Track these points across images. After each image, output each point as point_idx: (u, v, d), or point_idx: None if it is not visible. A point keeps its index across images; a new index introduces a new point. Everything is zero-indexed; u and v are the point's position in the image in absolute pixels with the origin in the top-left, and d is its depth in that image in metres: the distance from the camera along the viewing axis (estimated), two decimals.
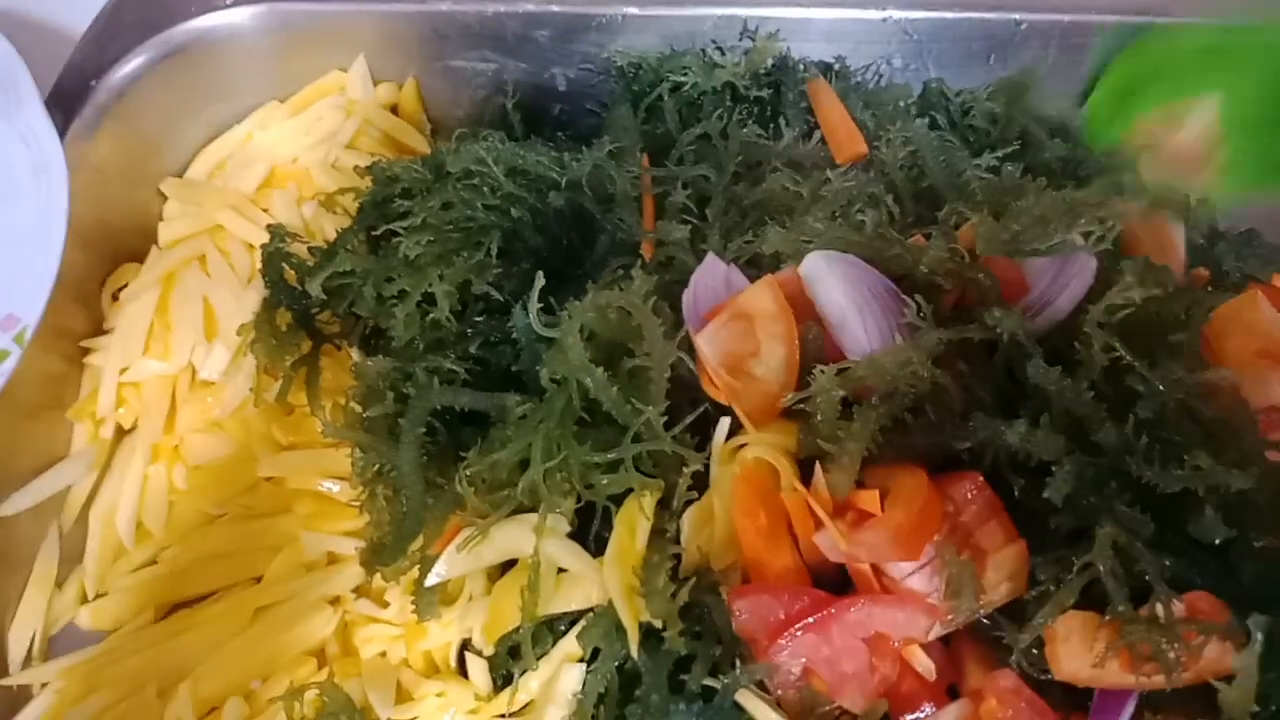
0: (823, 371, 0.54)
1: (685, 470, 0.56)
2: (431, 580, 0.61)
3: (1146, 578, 0.47)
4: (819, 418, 0.53)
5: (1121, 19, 0.83)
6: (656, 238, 0.72)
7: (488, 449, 0.59)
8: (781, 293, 0.58)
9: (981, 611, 0.49)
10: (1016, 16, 0.81)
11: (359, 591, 0.69)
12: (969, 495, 0.51)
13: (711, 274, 0.64)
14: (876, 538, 0.49)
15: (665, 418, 0.56)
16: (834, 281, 0.58)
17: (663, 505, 0.57)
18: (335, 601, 0.69)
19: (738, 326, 0.58)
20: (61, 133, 0.75)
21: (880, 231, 0.63)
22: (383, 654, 0.67)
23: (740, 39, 0.84)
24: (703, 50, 0.83)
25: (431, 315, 0.69)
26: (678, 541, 0.57)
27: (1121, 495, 0.50)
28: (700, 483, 0.58)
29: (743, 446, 0.57)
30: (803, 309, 0.59)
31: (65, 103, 0.80)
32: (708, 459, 0.58)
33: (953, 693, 0.52)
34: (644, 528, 0.56)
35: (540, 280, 0.60)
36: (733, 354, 0.58)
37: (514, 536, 0.59)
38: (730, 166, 0.77)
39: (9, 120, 0.72)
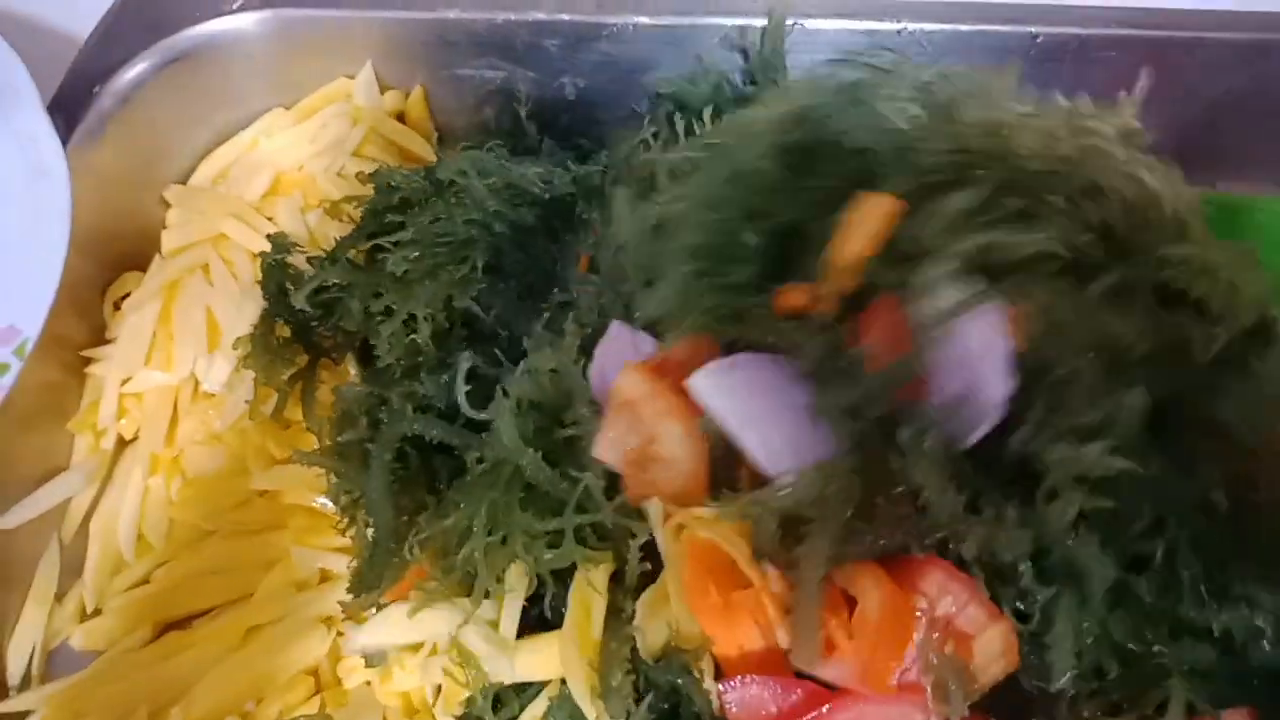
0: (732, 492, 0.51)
1: (632, 542, 0.54)
2: (351, 651, 0.60)
3: None
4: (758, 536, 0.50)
5: (1137, 33, 0.82)
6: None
7: (441, 512, 0.57)
8: (647, 372, 0.55)
9: (976, 697, 0.47)
10: (1032, 29, 0.80)
11: (348, 617, 0.68)
12: (938, 587, 0.48)
13: (618, 343, 0.60)
14: (846, 670, 0.47)
15: (605, 483, 0.54)
16: (723, 402, 0.52)
17: (618, 580, 0.55)
18: (329, 621, 0.68)
19: (624, 417, 0.55)
20: (64, 138, 0.74)
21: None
22: (368, 684, 0.65)
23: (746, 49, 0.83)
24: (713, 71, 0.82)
25: (413, 337, 0.68)
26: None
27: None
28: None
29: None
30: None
31: (68, 108, 0.79)
32: None
33: None
34: (599, 606, 0.54)
35: (466, 363, 0.59)
36: (633, 449, 0.54)
37: (435, 621, 0.58)
38: None
39: (8, 125, 0.71)
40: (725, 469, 0.53)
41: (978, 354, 0.50)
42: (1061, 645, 0.48)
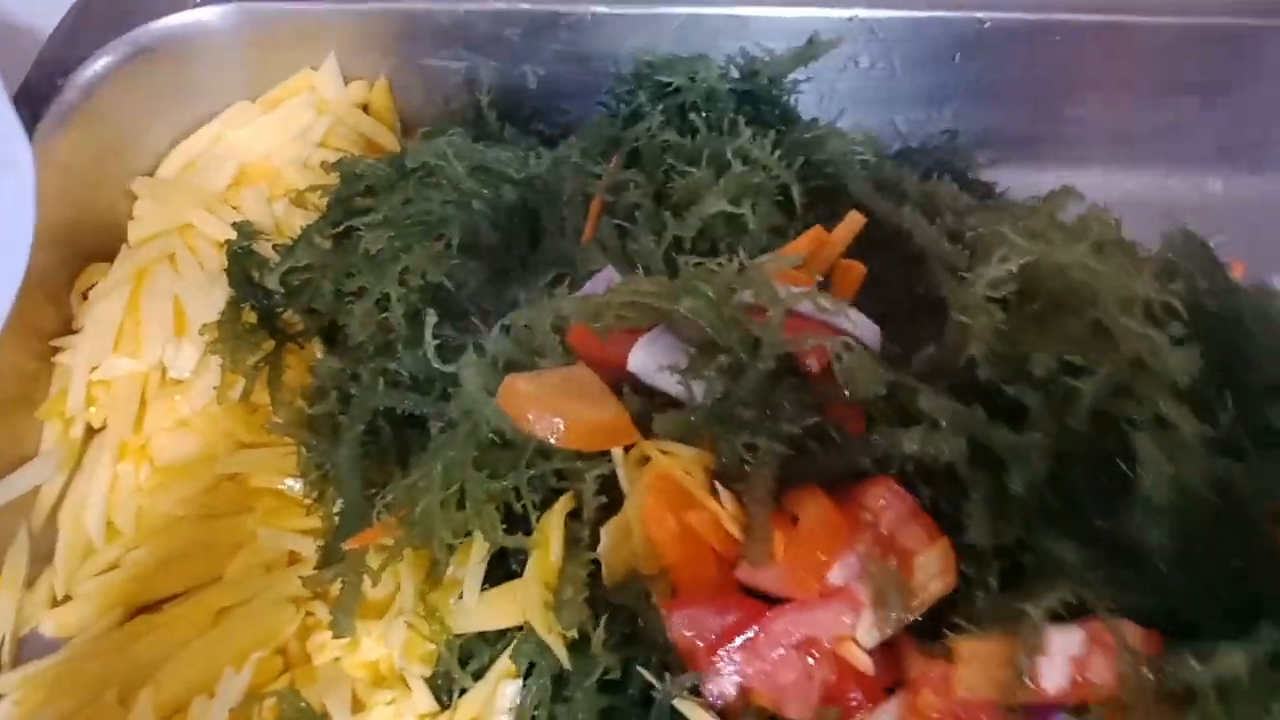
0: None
1: (589, 475, 0.56)
2: None
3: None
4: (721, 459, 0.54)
5: (1084, 17, 0.84)
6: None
7: (408, 475, 0.59)
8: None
9: (917, 613, 0.50)
10: (980, 15, 0.82)
11: (317, 596, 0.69)
12: (883, 502, 0.51)
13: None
14: (779, 575, 0.49)
15: None
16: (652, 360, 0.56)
17: (576, 516, 0.57)
18: (297, 601, 0.69)
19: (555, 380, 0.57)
20: (29, 130, 0.74)
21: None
22: (337, 660, 0.66)
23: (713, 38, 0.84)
24: (699, 55, 0.84)
25: (385, 315, 0.69)
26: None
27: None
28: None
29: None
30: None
31: (33, 101, 0.80)
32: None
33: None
34: (557, 539, 0.56)
35: (432, 318, 0.61)
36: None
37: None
38: (659, 170, 0.75)
39: None
40: None
41: None
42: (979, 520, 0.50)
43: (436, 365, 0.60)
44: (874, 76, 0.85)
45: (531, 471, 0.56)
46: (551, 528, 0.56)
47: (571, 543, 0.56)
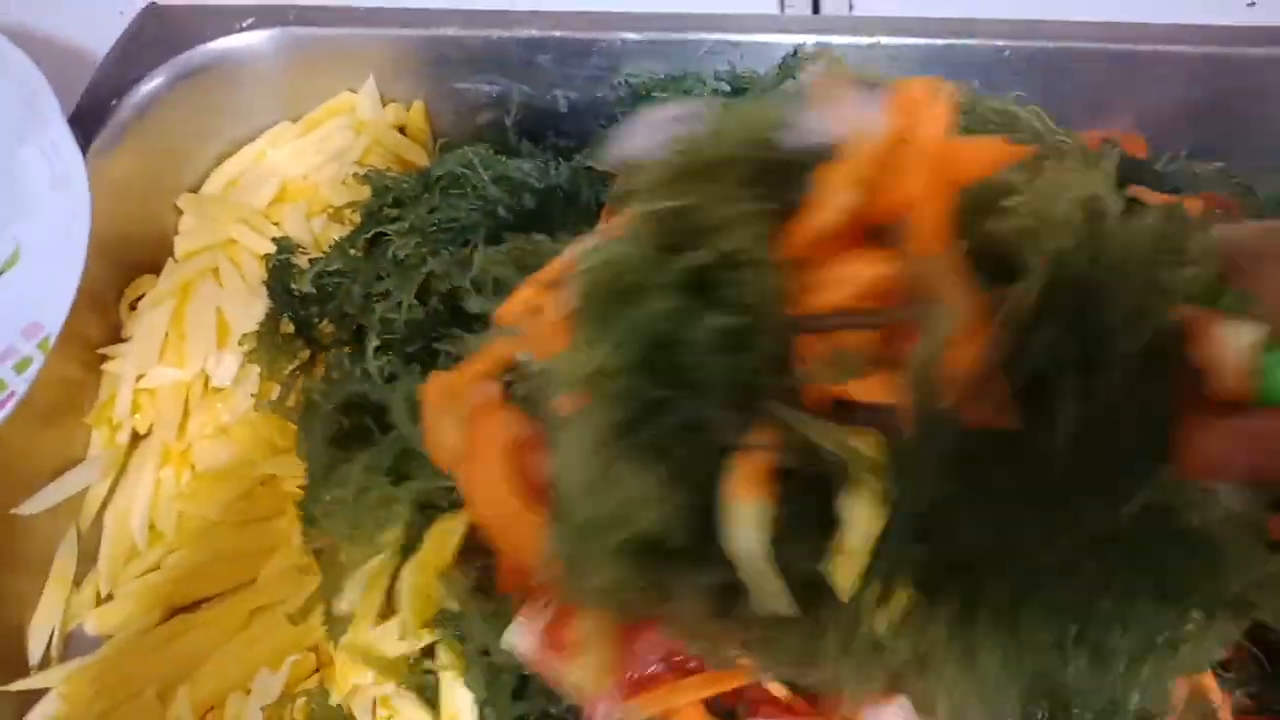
0: None
1: None
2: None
3: None
4: None
5: (1104, 45, 0.86)
6: None
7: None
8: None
9: None
10: (999, 43, 0.84)
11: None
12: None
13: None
14: None
15: None
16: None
17: None
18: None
19: None
20: (83, 149, 0.78)
21: None
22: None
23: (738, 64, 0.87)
24: (701, 76, 0.86)
25: (393, 316, 0.73)
26: None
27: None
28: None
29: None
30: None
31: (86, 120, 0.83)
32: None
33: None
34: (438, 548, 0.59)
35: (374, 341, 0.65)
36: None
37: None
38: None
39: (33, 136, 0.75)
40: None
41: None
42: None
43: (377, 380, 0.64)
44: None
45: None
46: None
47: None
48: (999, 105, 0.74)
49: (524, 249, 0.68)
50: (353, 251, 0.79)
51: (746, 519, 0.37)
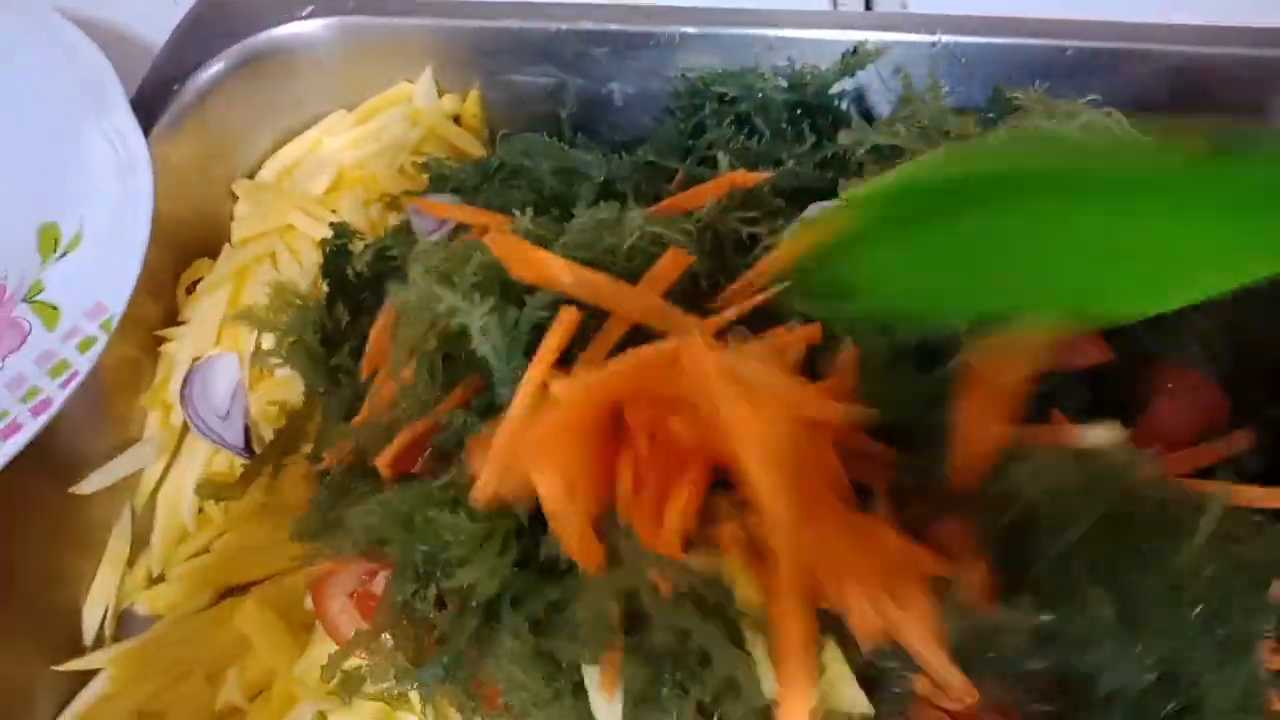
0: None
1: None
2: None
3: None
4: None
5: (1165, 47, 0.85)
6: None
7: None
8: None
9: None
10: (1063, 43, 0.84)
11: None
12: None
13: None
14: None
15: None
16: None
17: None
18: None
19: None
20: (145, 133, 0.78)
21: None
22: None
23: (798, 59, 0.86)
24: (758, 70, 0.86)
25: None
26: None
27: None
28: None
29: None
30: None
31: (147, 105, 0.84)
32: None
33: None
34: None
35: None
36: None
37: None
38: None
39: (98, 123, 0.76)
40: None
41: None
42: None
43: None
44: (956, 101, 0.86)
45: None
46: None
47: None
48: (1069, 108, 0.73)
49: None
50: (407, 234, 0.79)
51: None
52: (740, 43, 0.87)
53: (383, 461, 0.56)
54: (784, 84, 0.84)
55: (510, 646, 0.49)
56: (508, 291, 0.57)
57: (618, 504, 0.49)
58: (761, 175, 0.70)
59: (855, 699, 0.46)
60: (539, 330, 0.54)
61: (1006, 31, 0.84)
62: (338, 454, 0.61)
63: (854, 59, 0.83)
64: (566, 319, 0.53)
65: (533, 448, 0.47)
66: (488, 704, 0.51)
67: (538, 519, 0.50)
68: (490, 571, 0.50)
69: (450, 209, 0.74)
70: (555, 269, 0.56)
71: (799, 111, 0.85)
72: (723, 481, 0.49)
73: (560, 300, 0.55)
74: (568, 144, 0.86)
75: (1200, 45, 0.85)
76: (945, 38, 0.84)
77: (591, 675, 0.48)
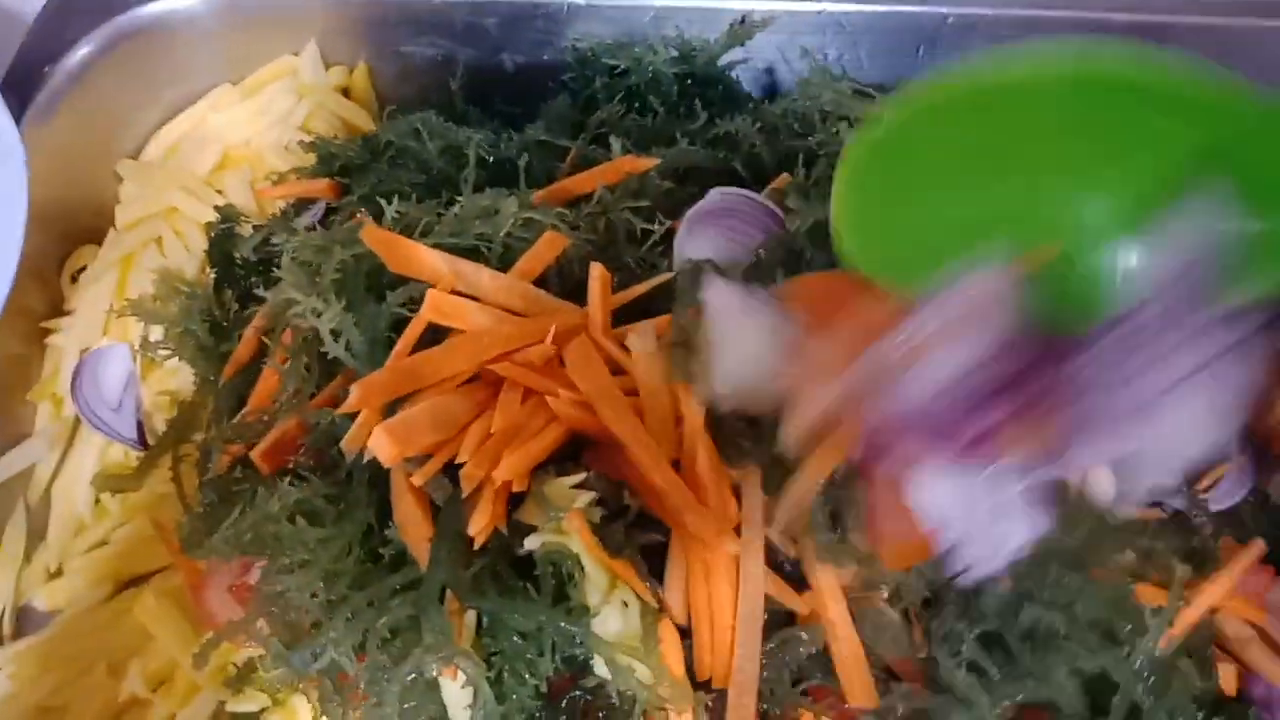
0: None
1: None
2: None
3: None
4: None
5: (1046, 13, 0.86)
6: None
7: None
8: None
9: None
10: (944, 10, 0.85)
11: None
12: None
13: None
14: None
15: None
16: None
17: None
18: None
19: None
20: (17, 118, 0.76)
21: None
22: None
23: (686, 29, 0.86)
24: (649, 43, 0.86)
25: None
26: None
27: None
28: None
29: None
30: None
31: (19, 87, 0.81)
32: None
33: None
34: None
35: None
36: None
37: None
38: None
39: None
40: None
41: None
42: None
43: None
44: (841, 68, 0.87)
45: None
46: None
47: None
48: None
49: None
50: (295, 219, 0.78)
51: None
52: (630, 13, 0.86)
53: (256, 456, 0.57)
54: (674, 53, 0.85)
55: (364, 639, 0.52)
56: (373, 283, 0.58)
57: (460, 452, 0.52)
58: (652, 160, 0.71)
59: None
60: (400, 326, 0.55)
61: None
62: (224, 459, 0.61)
63: (741, 29, 0.84)
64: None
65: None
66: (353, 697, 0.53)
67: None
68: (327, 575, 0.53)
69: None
70: (429, 261, 0.56)
71: (689, 83, 0.85)
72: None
73: (421, 293, 0.56)
74: (459, 117, 0.86)
75: (1082, 11, 0.86)
76: (829, 6, 0.85)
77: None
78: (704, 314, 0.56)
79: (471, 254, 0.60)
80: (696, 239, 0.66)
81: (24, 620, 0.75)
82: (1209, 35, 0.85)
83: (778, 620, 0.54)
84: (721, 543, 0.51)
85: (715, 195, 0.69)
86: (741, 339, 0.54)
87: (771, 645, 0.53)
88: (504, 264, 0.61)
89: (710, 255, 0.62)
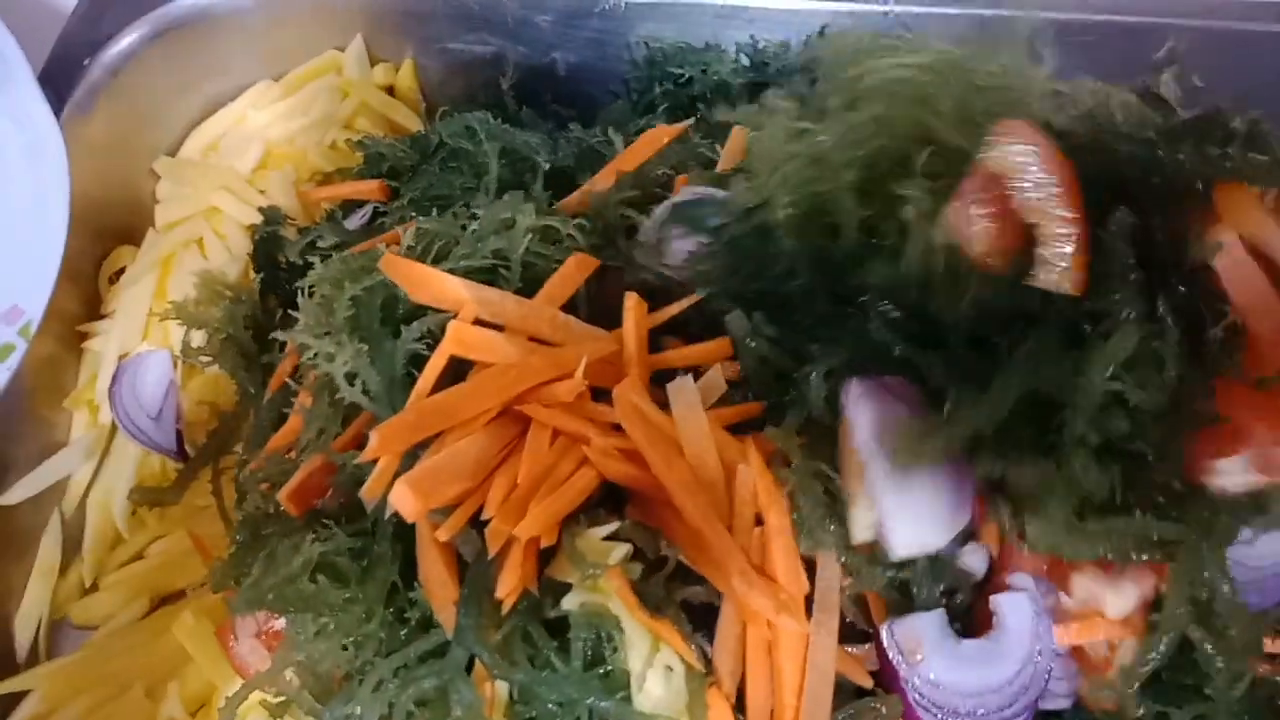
0: None
1: None
2: None
3: None
4: None
5: (1117, 18, 0.84)
6: None
7: None
8: None
9: None
10: (1004, 14, 0.82)
11: None
12: None
13: None
14: None
15: None
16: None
17: None
18: None
19: None
20: (55, 111, 0.73)
21: None
22: None
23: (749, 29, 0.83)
24: (720, 48, 0.83)
25: None
26: None
27: None
28: None
29: None
30: None
31: (57, 81, 0.79)
32: None
33: None
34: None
35: None
36: None
37: None
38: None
39: (1, 100, 0.70)
40: None
41: None
42: None
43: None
44: None
45: None
46: None
47: None
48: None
49: None
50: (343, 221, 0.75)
51: None
52: (693, 12, 0.83)
53: (283, 497, 0.53)
54: (746, 62, 0.82)
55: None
56: (389, 315, 0.54)
57: (486, 506, 0.48)
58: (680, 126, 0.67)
59: None
60: (419, 361, 0.52)
61: (955, 2, 0.82)
62: (255, 496, 0.58)
63: (818, 43, 0.81)
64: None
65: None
66: None
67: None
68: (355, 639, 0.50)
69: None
70: (451, 289, 0.53)
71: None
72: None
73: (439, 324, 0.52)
74: (511, 119, 0.83)
75: (1168, 18, 0.83)
76: (896, 8, 0.82)
77: None
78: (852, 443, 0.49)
79: (489, 273, 0.57)
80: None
81: (58, 636, 0.73)
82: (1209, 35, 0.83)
83: (846, 690, 0.50)
84: (783, 621, 0.47)
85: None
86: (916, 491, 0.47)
87: (842, 718, 0.49)
88: (524, 280, 0.57)
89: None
